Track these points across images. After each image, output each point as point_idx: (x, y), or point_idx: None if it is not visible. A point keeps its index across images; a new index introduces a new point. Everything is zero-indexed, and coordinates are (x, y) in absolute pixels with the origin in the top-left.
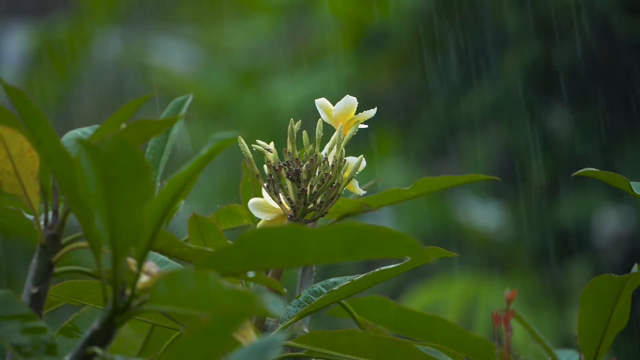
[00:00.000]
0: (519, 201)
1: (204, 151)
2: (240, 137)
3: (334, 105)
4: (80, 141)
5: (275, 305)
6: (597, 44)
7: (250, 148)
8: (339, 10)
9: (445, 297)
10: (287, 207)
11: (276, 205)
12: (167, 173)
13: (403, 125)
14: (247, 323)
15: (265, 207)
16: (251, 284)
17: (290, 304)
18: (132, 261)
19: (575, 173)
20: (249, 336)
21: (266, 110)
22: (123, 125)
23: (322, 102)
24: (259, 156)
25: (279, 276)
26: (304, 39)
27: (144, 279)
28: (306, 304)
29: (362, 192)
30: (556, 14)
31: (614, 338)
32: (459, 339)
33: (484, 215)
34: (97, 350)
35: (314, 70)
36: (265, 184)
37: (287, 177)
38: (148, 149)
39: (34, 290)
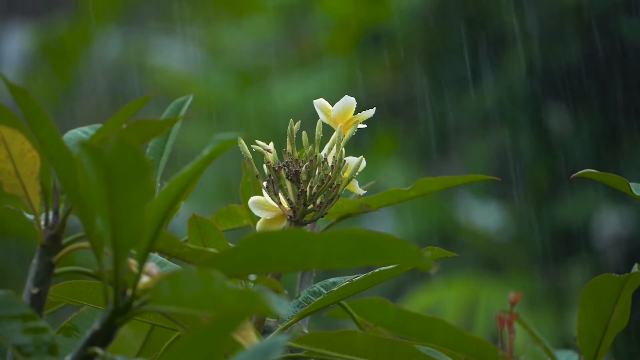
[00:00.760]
0: (519, 202)
1: (205, 152)
2: (239, 137)
3: (333, 106)
4: (81, 143)
5: (280, 305)
6: (598, 45)
7: (250, 148)
8: (339, 11)
9: (445, 299)
10: (287, 208)
11: (276, 205)
12: (167, 174)
13: (403, 125)
14: (247, 324)
15: (265, 205)
16: (251, 285)
17: (289, 305)
18: (133, 262)
19: (575, 174)
20: (249, 337)
21: (266, 111)
22: (123, 126)
23: (320, 103)
24: (259, 157)
25: (279, 277)
26: (304, 40)
27: (144, 279)
28: (306, 304)
29: (362, 192)
30: (557, 15)
31: (614, 338)
32: (459, 340)
33: (484, 216)
34: (98, 350)
35: (314, 71)
36: (264, 185)
37: (287, 177)
38: (148, 150)
39: (35, 291)
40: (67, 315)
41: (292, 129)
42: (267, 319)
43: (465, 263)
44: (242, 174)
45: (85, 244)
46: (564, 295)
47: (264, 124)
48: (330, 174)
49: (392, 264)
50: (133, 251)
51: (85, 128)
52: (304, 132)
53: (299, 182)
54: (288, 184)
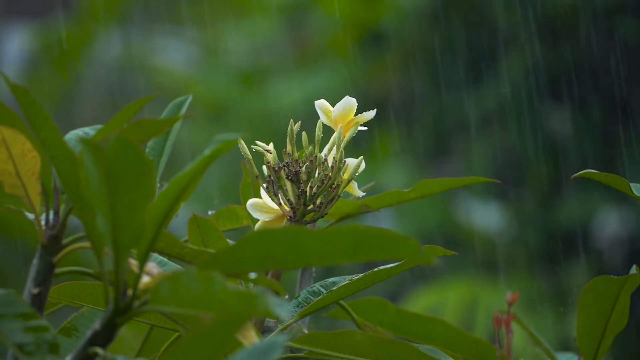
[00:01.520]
0: (519, 203)
1: (206, 152)
2: (239, 138)
3: (333, 107)
4: (83, 140)
5: (280, 307)
6: (599, 46)
7: (250, 149)
8: (339, 11)
9: (445, 299)
10: (287, 208)
11: (275, 206)
12: (167, 174)
13: (404, 126)
14: (248, 324)
15: (263, 208)
16: (251, 285)
17: (290, 306)
18: (133, 262)
19: (575, 175)
20: (250, 337)
21: (267, 111)
22: (124, 126)
23: (321, 104)
24: (259, 157)
25: (279, 277)
26: (304, 40)
27: (145, 279)
28: (305, 304)
29: (361, 194)
30: (558, 16)
31: (613, 339)
32: (458, 340)
33: (485, 217)
34: (99, 350)
35: (315, 71)
36: (264, 185)
37: (287, 178)
38: (148, 150)
39: (35, 291)
40: (66, 316)
41: (292, 129)
42: (266, 319)
43: (465, 264)
44: (242, 174)
45: (86, 244)
46: (565, 296)
47: (265, 124)
48: (330, 174)
49: (392, 259)
50: (133, 251)
51: (86, 129)
52: (303, 133)
53: (299, 183)
54: (288, 185)
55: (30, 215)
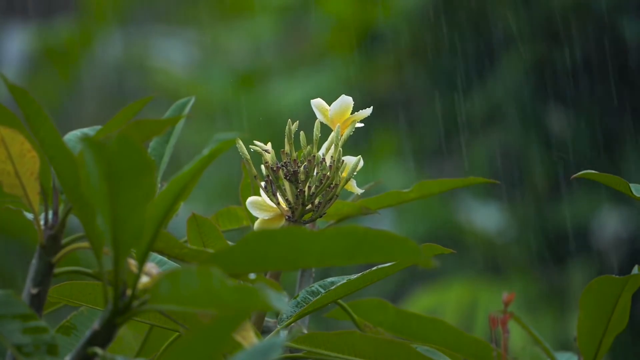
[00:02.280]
0: (519, 203)
1: (205, 152)
2: (238, 138)
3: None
4: (84, 138)
5: (279, 301)
6: (598, 46)
7: (249, 149)
8: (338, 11)
9: (445, 300)
10: (285, 208)
11: (274, 205)
12: (168, 174)
13: (404, 126)
14: (247, 324)
15: (263, 206)
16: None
17: (288, 304)
18: (132, 262)
19: (575, 175)
20: (249, 337)
21: (266, 112)
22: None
23: (317, 103)
24: (259, 157)
25: (278, 277)
26: (304, 40)
27: (144, 279)
28: (304, 304)
29: (360, 191)
30: (558, 15)
31: (613, 339)
32: (458, 340)
33: (484, 217)
34: (98, 350)
35: (314, 71)
36: (263, 185)
37: (285, 177)
38: (149, 150)
39: (34, 291)
40: (65, 316)
41: (290, 129)
42: (266, 319)
43: (465, 264)
44: (242, 174)
45: (85, 244)
46: (565, 296)
47: (264, 124)
48: (328, 173)
49: (391, 261)
50: (133, 251)
51: (85, 129)
52: (301, 132)
53: (297, 182)
54: (286, 184)
55: (29, 215)
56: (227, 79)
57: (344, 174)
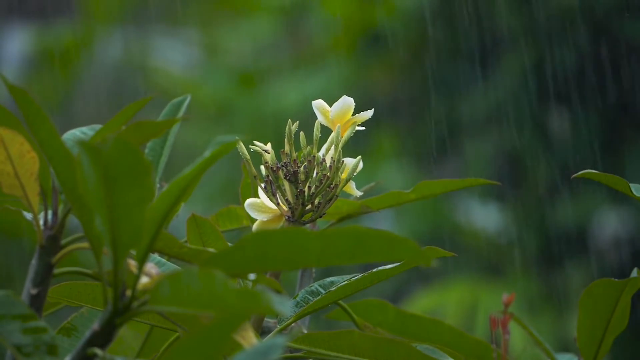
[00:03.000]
0: (519, 203)
1: (206, 154)
2: (238, 139)
3: (332, 107)
4: (81, 142)
5: (282, 305)
6: (597, 47)
7: (249, 150)
8: (339, 12)
9: (445, 301)
10: (285, 208)
11: (273, 206)
12: (167, 175)
13: (403, 126)
14: (246, 324)
15: (261, 207)
16: (249, 284)
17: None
18: (132, 262)
19: (575, 175)
20: (249, 338)
21: (266, 112)
22: (123, 127)
23: (319, 104)
24: (259, 157)
25: (278, 277)
26: (304, 41)
27: (144, 280)
28: (304, 304)
29: (359, 193)
30: (557, 16)
31: (613, 341)
32: (458, 341)
33: (484, 218)
34: (98, 351)
35: (314, 72)
36: (262, 185)
37: (285, 178)
38: (147, 151)
39: (34, 292)
40: (66, 316)
41: (290, 130)
42: (265, 319)
43: (465, 265)
44: (242, 174)
45: (85, 244)
46: (564, 297)
47: (265, 124)
48: (328, 174)
49: (391, 261)
50: (132, 252)
51: (84, 128)
52: (301, 133)
53: (297, 183)
54: (286, 185)
55: (29, 216)
56: (227, 79)
57: (344, 175)
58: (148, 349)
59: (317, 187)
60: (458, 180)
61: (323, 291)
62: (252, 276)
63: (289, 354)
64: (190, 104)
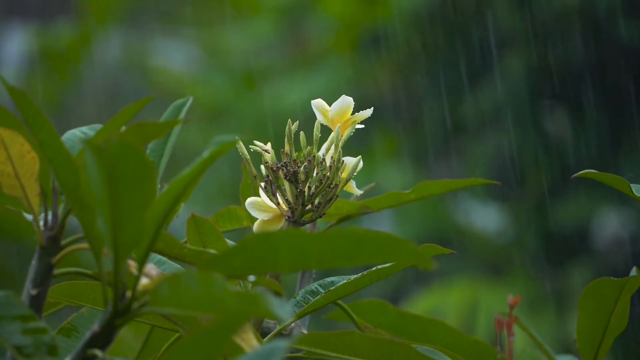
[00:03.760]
0: (519, 204)
1: (206, 154)
2: (238, 139)
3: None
4: (86, 141)
5: (281, 308)
6: (598, 47)
7: (249, 149)
8: (339, 12)
9: (445, 302)
10: (285, 208)
11: (274, 206)
12: (168, 176)
13: (403, 126)
14: (247, 326)
15: (262, 206)
16: (250, 285)
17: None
18: (132, 263)
19: (575, 174)
20: (249, 340)
21: (266, 112)
22: (123, 128)
23: (318, 103)
24: (259, 157)
25: (278, 277)
26: (304, 41)
27: (144, 281)
28: (304, 304)
29: (359, 192)
30: (557, 17)
31: (613, 341)
32: (459, 342)
33: (484, 218)
34: (97, 352)
35: (315, 72)
36: (262, 185)
37: (285, 178)
38: (148, 151)
39: (34, 292)
40: (66, 317)
41: (290, 130)
42: (265, 319)
43: (465, 265)
44: (242, 174)
45: (85, 245)
46: (564, 297)
47: (265, 125)
48: (328, 174)
49: (391, 263)
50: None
51: (84, 128)
52: (301, 133)
53: (297, 183)
54: (286, 184)
55: (29, 216)
56: (227, 79)
57: (344, 175)
58: (148, 350)
59: (317, 187)
60: (458, 180)
61: (323, 291)
62: (252, 277)
63: (289, 354)
64: (191, 104)
